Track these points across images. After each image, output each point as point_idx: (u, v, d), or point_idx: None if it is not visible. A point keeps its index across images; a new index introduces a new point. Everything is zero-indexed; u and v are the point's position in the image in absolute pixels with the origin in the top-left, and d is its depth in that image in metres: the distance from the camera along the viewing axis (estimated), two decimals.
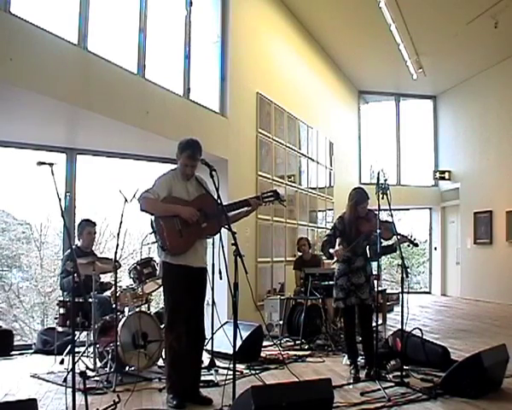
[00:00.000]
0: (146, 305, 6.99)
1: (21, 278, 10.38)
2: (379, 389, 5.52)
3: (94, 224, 7.54)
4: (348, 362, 6.75)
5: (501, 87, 15.75)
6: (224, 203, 5.29)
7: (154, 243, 5.88)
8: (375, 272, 6.67)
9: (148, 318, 6.62)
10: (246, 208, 5.42)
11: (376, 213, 6.30)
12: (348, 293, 6.48)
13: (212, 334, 6.86)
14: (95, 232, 7.58)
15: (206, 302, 5.45)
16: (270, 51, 11.82)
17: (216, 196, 4.92)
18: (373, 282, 6.62)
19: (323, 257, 8.43)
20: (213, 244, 6.06)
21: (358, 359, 6.59)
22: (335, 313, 9.22)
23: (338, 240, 6.61)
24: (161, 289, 6.37)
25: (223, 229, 5.09)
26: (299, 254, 10.48)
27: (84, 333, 6.82)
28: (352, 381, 6.14)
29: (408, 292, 6.22)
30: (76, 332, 6.25)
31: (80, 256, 6.57)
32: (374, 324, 6.41)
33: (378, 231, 6.14)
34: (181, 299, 5.13)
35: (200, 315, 5.33)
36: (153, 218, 5.20)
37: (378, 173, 6.35)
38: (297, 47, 13.38)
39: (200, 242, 5.34)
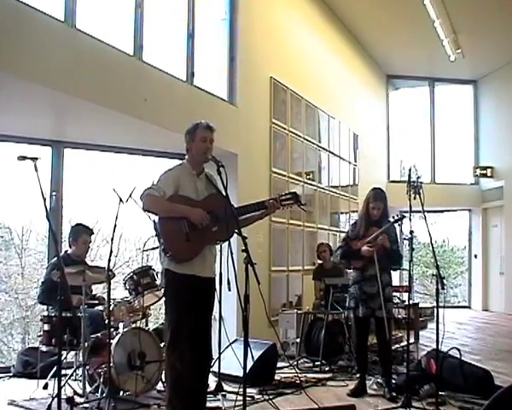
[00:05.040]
0: (144, 320, 7.00)
1: None
2: None
3: (92, 232, 7.55)
4: (374, 387, 6.78)
5: None
6: (238, 205, 5.29)
7: (155, 248, 5.87)
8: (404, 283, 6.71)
9: (146, 335, 6.62)
10: (261, 211, 5.42)
11: (392, 218, 6.73)
12: (358, 303, 6.81)
13: (220, 353, 6.86)
14: (90, 241, 7.58)
15: (213, 317, 5.45)
16: (286, 30, 11.80)
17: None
18: (390, 293, 6.88)
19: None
20: (221, 251, 6.05)
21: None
22: None
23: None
24: (162, 301, 6.38)
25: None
26: (319, 262, 10.46)
27: (72, 353, 6.83)
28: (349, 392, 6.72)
29: (444, 306, 6.19)
30: (63, 352, 6.25)
31: (69, 265, 6.56)
32: (405, 343, 6.40)
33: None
34: (185, 313, 5.09)
35: (206, 332, 5.30)
36: (157, 219, 5.20)
37: (409, 170, 6.36)
38: (316, 25, 13.36)
39: (209, 248, 5.32)
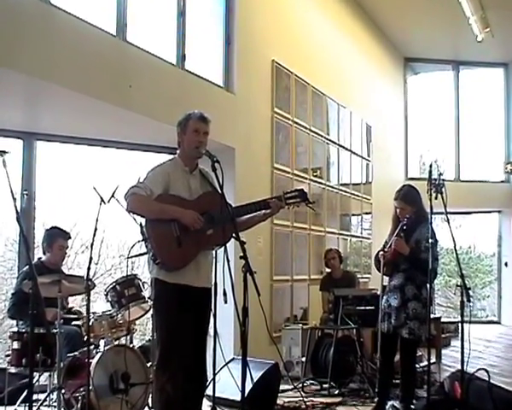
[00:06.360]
0: (128, 337, 6.99)
1: None
2: None
3: (68, 236, 7.54)
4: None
5: None
6: (237, 204, 5.28)
7: (142, 254, 5.86)
8: None
9: (130, 354, 6.59)
10: (263, 211, 5.41)
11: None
12: (383, 316, 6.81)
13: (214, 374, 6.85)
14: (67, 247, 7.57)
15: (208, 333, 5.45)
16: (290, 7, 11.80)
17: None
18: (416, 309, 6.66)
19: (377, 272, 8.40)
20: (216, 258, 6.05)
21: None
22: (374, 348, 9.20)
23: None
24: (149, 315, 6.39)
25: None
26: (328, 270, 10.47)
27: (46, 375, 6.82)
28: None
29: (470, 321, 6.19)
30: (34, 374, 6.23)
31: (44, 274, 6.54)
32: (425, 363, 6.40)
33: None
34: (177, 329, 5.10)
35: (201, 351, 5.31)
36: (144, 221, 5.19)
37: (430, 166, 6.34)
38: (324, 2, 13.33)
39: (204, 254, 5.32)
